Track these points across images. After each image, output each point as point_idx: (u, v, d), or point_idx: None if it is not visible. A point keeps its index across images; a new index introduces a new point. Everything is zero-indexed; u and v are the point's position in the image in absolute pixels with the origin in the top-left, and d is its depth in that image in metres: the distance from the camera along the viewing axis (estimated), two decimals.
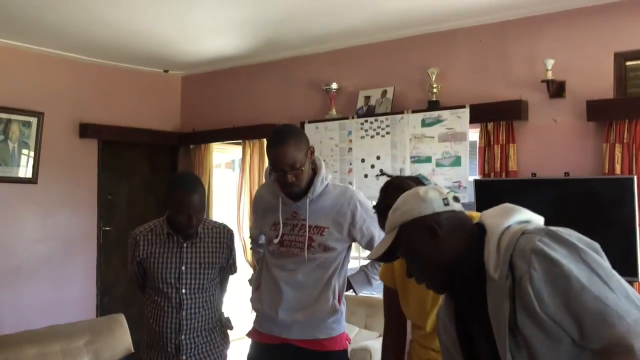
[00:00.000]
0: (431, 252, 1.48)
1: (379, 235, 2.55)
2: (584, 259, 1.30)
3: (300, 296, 2.50)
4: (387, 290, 2.24)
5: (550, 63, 3.93)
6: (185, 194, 2.47)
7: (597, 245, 1.35)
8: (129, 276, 2.72)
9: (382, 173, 2.29)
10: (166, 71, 6.10)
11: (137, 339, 4.04)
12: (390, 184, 2.10)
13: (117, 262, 5.45)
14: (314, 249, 2.49)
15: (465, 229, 1.50)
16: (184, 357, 2.55)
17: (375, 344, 4.09)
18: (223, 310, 2.77)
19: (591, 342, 1.27)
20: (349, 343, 2.65)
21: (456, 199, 1.55)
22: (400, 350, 2.22)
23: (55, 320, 4.08)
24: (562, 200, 3.63)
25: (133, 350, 3.99)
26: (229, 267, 2.73)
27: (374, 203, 2.28)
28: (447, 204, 1.51)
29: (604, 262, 1.32)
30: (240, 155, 5.74)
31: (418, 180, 2.10)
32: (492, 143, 4.19)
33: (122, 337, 4.03)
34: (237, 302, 4.72)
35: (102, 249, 5.54)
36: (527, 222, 1.43)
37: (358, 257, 5.01)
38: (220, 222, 2.79)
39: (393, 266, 2.17)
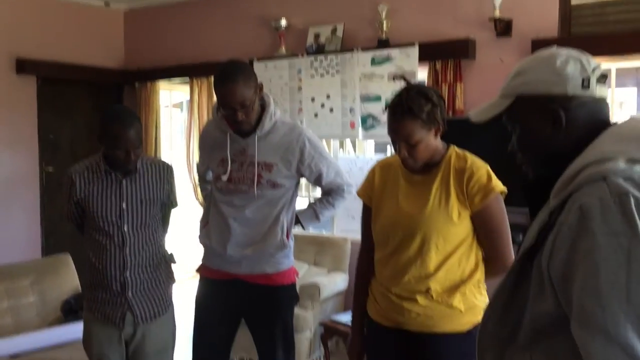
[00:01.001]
0: (544, 137, 1.24)
1: (326, 172, 2.57)
2: (629, 248, 1.04)
3: (249, 232, 2.51)
4: (364, 208, 2.25)
5: (498, 1, 3.94)
6: (121, 128, 2.40)
7: None
8: (66, 216, 2.66)
9: (406, 80, 2.15)
10: (107, 4, 5.84)
11: (84, 280, 4.01)
12: (412, 87, 2.03)
13: (61, 202, 5.33)
14: (262, 185, 2.49)
15: (594, 126, 1.20)
16: (130, 294, 2.54)
17: (324, 279, 4.19)
18: (166, 247, 2.75)
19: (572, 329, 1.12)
20: (297, 277, 2.70)
21: (603, 78, 1.23)
22: (372, 268, 2.23)
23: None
24: (507, 140, 3.71)
25: (80, 290, 3.96)
26: (170, 202, 2.70)
27: (324, 142, 2.28)
28: (585, 86, 1.20)
29: None
30: (188, 97, 5.61)
31: (437, 94, 2.05)
32: (440, 82, 4.22)
33: (69, 277, 3.99)
34: (187, 239, 4.71)
35: (45, 190, 5.41)
36: None
37: (308, 197, 5.06)
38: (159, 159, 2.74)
39: (373, 185, 2.20)
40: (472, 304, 2.06)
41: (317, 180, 2.60)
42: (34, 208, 5.34)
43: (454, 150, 2.11)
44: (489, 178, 2.03)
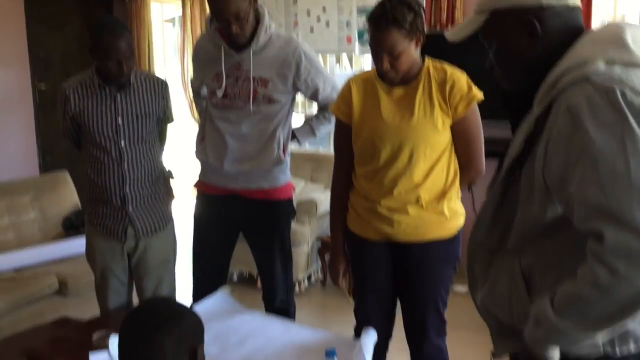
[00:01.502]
0: (521, 50, 1.26)
1: (323, 87, 2.54)
2: (622, 136, 1.07)
3: (245, 148, 2.52)
4: (340, 126, 2.25)
5: None
6: (111, 38, 2.35)
7: None
8: (62, 132, 2.65)
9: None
10: None
11: (83, 197, 4.05)
12: None
13: (56, 120, 5.26)
14: (258, 101, 2.47)
15: (570, 34, 1.23)
16: (130, 208, 2.58)
17: (320, 195, 4.24)
18: (165, 163, 2.77)
19: (577, 227, 1.14)
20: (294, 192, 2.73)
21: None
22: (350, 185, 2.28)
23: None
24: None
25: (80, 207, 4.02)
26: (166, 117, 2.68)
27: (320, 57, 2.24)
28: None
29: None
30: (181, 12, 5.46)
31: (419, 1, 2.04)
32: None
33: (68, 194, 4.04)
34: (185, 157, 4.73)
35: (38, 108, 5.35)
36: (624, 62, 1.16)
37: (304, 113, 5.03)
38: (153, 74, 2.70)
39: (351, 101, 2.18)
40: (455, 210, 2.17)
41: (313, 96, 2.58)
42: (29, 126, 5.31)
43: (430, 61, 2.12)
44: (469, 87, 2.08)
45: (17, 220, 3.75)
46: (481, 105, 2.11)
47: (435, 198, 2.13)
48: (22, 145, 5.27)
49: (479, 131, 2.15)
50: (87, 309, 3.25)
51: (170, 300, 1.52)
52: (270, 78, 2.46)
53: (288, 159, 2.61)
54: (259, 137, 2.51)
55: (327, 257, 4.17)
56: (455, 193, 2.17)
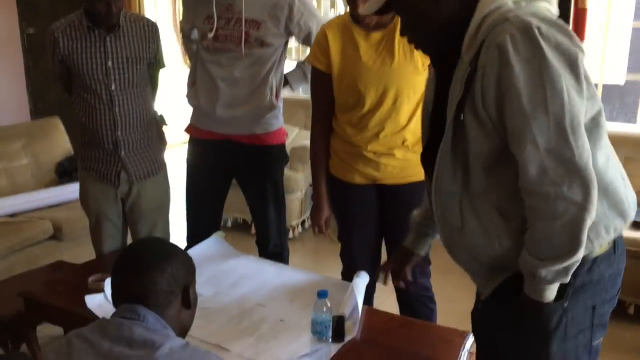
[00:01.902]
0: (429, 15, 1.35)
1: (316, 30, 2.50)
2: (540, 70, 1.21)
3: (237, 92, 2.50)
4: (318, 75, 2.23)
5: None
6: None
7: (575, 55, 1.23)
8: (52, 76, 2.62)
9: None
10: None
11: (75, 143, 4.03)
12: None
13: (46, 65, 5.16)
14: (250, 44, 2.44)
15: None
16: (123, 153, 2.57)
17: None
18: (157, 107, 2.75)
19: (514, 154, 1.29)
20: (287, 138, 2.72)
21: None
22: (329, 132, 2.29)
23: None
24: None
25: (72, 153, 4.01)
26: (157, 61, 2.65)
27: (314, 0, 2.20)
28: None
29: (561, 80, 1.21)
30: None
31: None
32: None
33: (60, 140, 4.02)
34: (177, 103, 4.69)
35: (27, 52, 5.26)
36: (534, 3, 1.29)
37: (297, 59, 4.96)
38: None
39: (328, 49, 2.16)
40: None
41: (306, 40, 2.54)
42: (18, 72, 5.23)
43: None
44: None
45: (9, 166, 3.74)
46: None
47: (418, 142, 2.13)
48: (12, 91, 5.20)
49: None
50: (81, 253, 3.28)
51: (160, 240, 1.52)
52: (263, 20, 2.42)
53: (281, 104, 2.59)
54: (250, 81, 2.48)
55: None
56: None
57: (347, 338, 1.86)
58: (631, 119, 4.87)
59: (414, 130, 2.14)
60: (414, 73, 2.08)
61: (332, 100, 2.23)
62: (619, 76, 3.81)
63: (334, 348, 1.79)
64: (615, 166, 1.37)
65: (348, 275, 2.33)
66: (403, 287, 1.90)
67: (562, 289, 1.32)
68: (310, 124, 2.34)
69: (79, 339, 1.31)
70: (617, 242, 1.39)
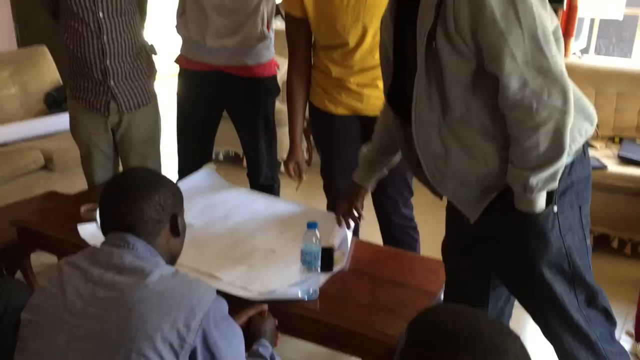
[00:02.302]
0: None
1: None
2: None
3: (228, 22, 2.44)
4: (294, 21, 2.20)
5: None
6: None
7: None
8: (40, 1, 2.54)
9: None
10: None
11: (64, 73, 3.96)
12: None
13: None
14: None
15: None
16: (112, 83, 2.54)
17: None
18: (148, 37, 2.69)
19: (491, 73, 1.35)
20: (278, 69, 2.69)
21: None
22: (308, 81, 2.29)
23: None
24: None
25: (61, 83, 3.95)
26: None
27: None
28: None
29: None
30: None
31: None
32: None
33: (48, 69, 3.95)
34: (168, 32, 4.59)
35: None
36: None
37: None
38: None
39: None
40: None
41: None
42: None
43: None
44: None
45: None
46: None
47: None
48: None
49: None
50: (73, 184, 3.29)
51: (147, 170, 1.54)
52: None
53: (272, 35, 2.55)
54: (241, 10, 2.42)
55: (311, 136, 4.19)
56: None
57: (336, 268, 1.91)
58: (627, 54, 4.83)
59: None
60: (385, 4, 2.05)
61: (310, 44, 2.24)
62: (617, 11, 3.74)
63: (323, 278, 1.84)
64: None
65: (333, 208, 2.37)
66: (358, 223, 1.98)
67: (550, 195, 1.40)
68: (287, 67, 2.31)
69: (69, 266, 1.34)
70: (584, 146, 1.48)
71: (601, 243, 3.19)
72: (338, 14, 2.09)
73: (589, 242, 1.53)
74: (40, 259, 2.87)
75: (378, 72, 2.14)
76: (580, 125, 1.44)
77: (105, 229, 1.40)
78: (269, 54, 2.57)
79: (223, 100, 2.64)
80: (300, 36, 2.22)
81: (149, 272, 1.28)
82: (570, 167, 1.44)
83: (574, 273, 1.47)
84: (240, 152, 4.04)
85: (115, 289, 1.26)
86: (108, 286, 1.27)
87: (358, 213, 2.00)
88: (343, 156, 2.34)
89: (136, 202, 1.36)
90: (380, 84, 2.17)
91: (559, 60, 1.32)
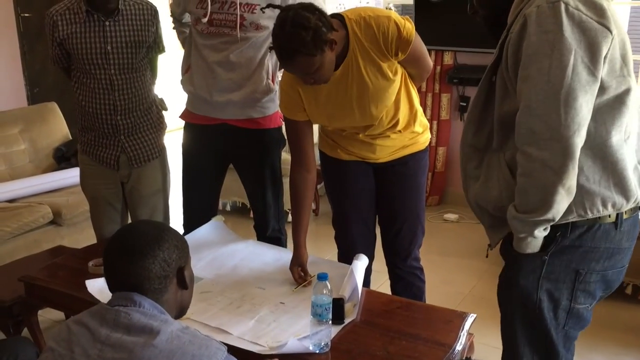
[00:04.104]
0: None
1: None
2: (554, 42, 1.30)
3: (234, 77, 2.48)
4: (293, 125, 2.21)
5: None
6: None
7: (597, 35, 1.31)
8: (52, 60, 2.60)
9: (270, 5, 2.13)
10: None
11: (73, 128, 4.02)
12: (285, 21, 1.90)
13: (42, 50, 5.17)
14: (245, 28, 2.42)
15: None
16: (122, 137, 2.57)
17: None
18: (156, 92, 2.74)
19: None
20: (283, 121, 2.71)
21: None
22: (313, 182, 2.26)
23: None
24: None
25: (70, 138, 4.00)
26: (156, 46, 2.64)
27: None
28: None
29: (569, 55, 1.29)
30: None
31: (314, 8, 1.93)
32: None
33: (57, 125, 4.01)
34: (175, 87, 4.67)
35: (23, 38, 5.22)
36: None
37: None
38: None
39: (300, 96, 2.16)
40: (424, 123, 2.31)
41: None
42: (14, 56, 5.19)
43: (352, 23, 2.04)
44: (398, 27, 2.02)
45: (7, 151, 3.73)
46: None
47: (408, 122, 2.24)
48: (9, 76, 5.18)
49: (422, 47, 2.15)
50: (81, 238, 3.30)
51: (149, 224, 1.47)
52: (257, 3, 2.40)
53: (277, 87, 2.58)
54: (247, 65, 2.47)
55: (318, 186, 4.20)
56: (420, 109, 2.28)
57: (347, 320, 1.88)
58: None
59: (404, 116, 2.22)
60: (389, 85, 2.11)
61: (313, 140, 2.28)
62: None
63: (334, 330, 1.81)
64: (632, 150, 1.43)
65: (344, 258, 2.36)
66: None
67: (547, 244, 1.44)
68: (291, 167, 2.27)
69: (77, 325, 1.32)
70: (621, 219, 1.45)
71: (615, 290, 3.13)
72: (346, 113, 2.15)
73: (581, 307, 1.50)
74: (48, 315, 2.85)
75: (386, 131, 2.22)
76: (609, 195, 1.42)
77: (111, 287, 1.38)
78: (274, 106, 2.60)
79: (229, 153, 2.65)
80: (304, 137, 2.22)
81: (158, 331, 1.26)
82: (586, 230, 1.44)
83: (541, 325, 1.49)
84: (247, 202, 4.05)
85: (124, 349, 1.24)
86: (116, 347, 1.25)
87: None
88: (355, 199, 2.35)
89: (140, 262, 1.32)
90: (392, 134, 2.24)
91: (574, 125, 1.31)
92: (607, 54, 1.32)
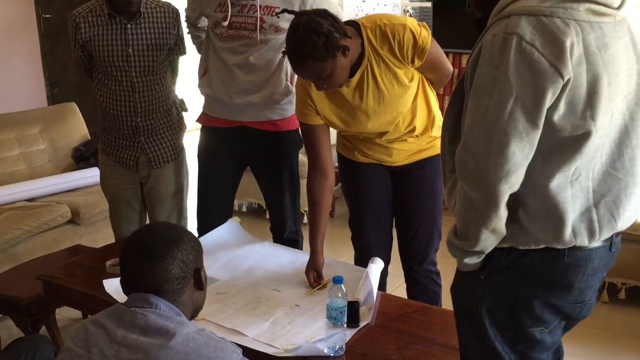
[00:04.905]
0: None
1: None
2: (496, 81, 1.21)
3: (253, 79, 2.49)
4: (309, 129, 2.20)
5: None
6: None
7: (547, 79, 1.18)
8: (74, 61, 2.64)
9: (284, 11, 2.14)
10: None
11: (92, 128, 4.06)
12: (298, 26, 1.92)
13: (63, 51, 5.24)
14: (265, 30, 2.42)
15: None
16: (142, 139, 2.60)
17: None
18: (177, 93, 2.76)
19: None
20: None
21: None
22: (331, 188, 2.26)
23: (5, 111, 4.01)
24: None
25: (89, 137, 4.04)
26: (177, 48, 2.66)
27: None
28: None
29: (509, 98, 1.19)
30: None
31: (327, 14, 1.94)
32: None
33: (77, 125, 4.05)
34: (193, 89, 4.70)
35: (44, 38, 5.29)
36: None
37: None
38: (164, 0, 2.64)
39: (313, 101, 2.15)
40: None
41: None
42: (35, 58, 5.26)
43: (367, 30, 2.03)
44: (414, 34, 2.02)
45: (27, 151, 3.78)
46: None
47: (426, 127, 2.23)
48: (30, 76, 5.24)
49: (440, 53, 2.14)
50: (99, 237, 3.33)
51: (165, 226, 1.48)
52: (277, 6, 2.40)
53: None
54: (266, 67, 2.47)
55: (335, 188, 4.19)
56: (439, 114, 2.26)
57: (362, 324, 1.88)
58: None
59: (421, 121, 2.21)
60: (405, 92, 2.11)
61: (330, 144, 2.27)
62: None
63: (349, 333, 1.81)
64: (577, 195, 1.29)
65: (361, 260, 2.35)
66: None
67: (484, 263, 1.37)
68: (308, 173, 2.26)
69: (95, 325, 1.33)
70: (566, 253, 1.32)
71: (609, 292, 3.10)
72: (362, 121, 2.14)
73: (530, 330, 1.38)
74: (65, 313, 2.88)
75: (403, 135, 2.21)
76: (541, 237, 1.31)
77: (126, 288, 1.39)
78: (293, 108, 2.59)
79: (246, 155, 2.66)
80: (320, 141, 2.21)
81: (174, 332, 1.27)
82: (524, 254, 1.33)
83: (485, 338, 1.40)
84: (264, 203, 4.06)
85: (140, 350, 1.25)
86: (132, 347, 1.26)
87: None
88: (371, 200, 2.35)
89: (160, 263, 1.34)
90: (409, 139, 2.23)
91: (502, 172, 1.22)
92: (563, 95, 1.20)
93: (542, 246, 1.32)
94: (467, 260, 1.36)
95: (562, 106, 1.22)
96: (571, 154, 1.25)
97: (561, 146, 1.25)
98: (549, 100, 1.20)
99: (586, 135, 1.24)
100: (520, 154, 1.22)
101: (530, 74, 1.19)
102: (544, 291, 1.35)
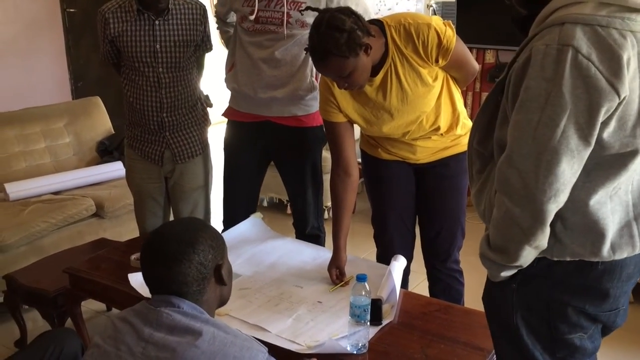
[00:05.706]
0: None
1: (355, 9, 2.47)
2: (549, 95, 1.14)
3: (278, 74, 2.49)
4: (333, 127, 2.20)
5: None
6: None
7: (602, 95, 1.12)
8: (102, 56, 2.66)
9: (308, 8, 2.13)
10: None
11: (115, 122, 4.10)
12: (320, 23, 1.91)
13: (87, 45, 5.29)
14: (291, 25, 2.43)
15: None
16: (167, 134, 2.62)
17: None
18: (202, 89, 2.78)
19: None
20: None
21: None
22: (355, 185, 2.25)
23: (31, 105, 4.06)
24: None
25: (113, 132, 4.08)
26: (204, 44, 2.67)
27: None
28: None
29: (562, 115, 1.13)
30: None
31: (350, 12, 1.94)
32: None
33: (101, 119, 4.09)
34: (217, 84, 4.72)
35: (69, 32, 5.34)
36: (620, 3, 1.15)
37: None
38: None
39: (336, 99, 2.15)
40: (467, 125, 2.25)
41: None
42: (60, 52, 5.31)
43: (391, 29, 2.02)
44: (439, 34, 1.99)
45: (52, 144, 3.82)
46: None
47: (450, 126, 2.21)
48: (54, 70, 5.30)
49: (465, 52, 2.12)
50: (123, 230, 3.36)
51: (182, 225, 1.45)
52: (303, 1, 2.40)
53: None
54: (292, 62, 2.47)
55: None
56: (464, 112, 2.25)
57: (385, 321, 1.87)
58: None
59: (446, 121, 2.19)
60: (428, 91, 2.09)
61: (354, 140, 2.26)
62: None
63: (372, 331, 1.81)
64: (616, 209, 1.26)
65: (383, 257, 2.35)
66: None
67: (516, 272, 1.34)
68: (331, 170, 2.25)
69: (122, 322, 1.35)
70: (599, 262, 1.29)
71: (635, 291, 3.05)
72: (385, 121, 2.13)
73: (569, 337, 1.35)
74: (90, 306, 2.92)
75: (427, 133, 2.20)
76: (578, 252, 1.28)
77: (151, 289, 1.40)
78: (317, 104, 2.59)
79: (271, 150, 2.67)
80: (343, 139, 2.20)
81: (200, 332, 1.28)
82: (554, 264, 1.30)
83: (522, 349, 1.38)
84: (285, 198, 4.07)
85: (167, 349, 1.27)
86: (159, 345, 1.28)
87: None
88: (394, 197, 2.34)
89: (176, 268, 1.33)
90: (434, 136, 2.21)
91: (551, 191, 1.18)
92: (616, 112, 1.15)
93: (577, 259, 1.29)
94: (503, 274, 1.32)
95: (612, 123, 1.17)
96: (617, 171, 1.22)
97: (607, 163, 1.21)
98: (602, 118, 1.15)
99: (634, 153, 1.21)
100: (570, 172, 1.18)
101: (585, 90, 1.13)
102: (579, 299, 1.32)
